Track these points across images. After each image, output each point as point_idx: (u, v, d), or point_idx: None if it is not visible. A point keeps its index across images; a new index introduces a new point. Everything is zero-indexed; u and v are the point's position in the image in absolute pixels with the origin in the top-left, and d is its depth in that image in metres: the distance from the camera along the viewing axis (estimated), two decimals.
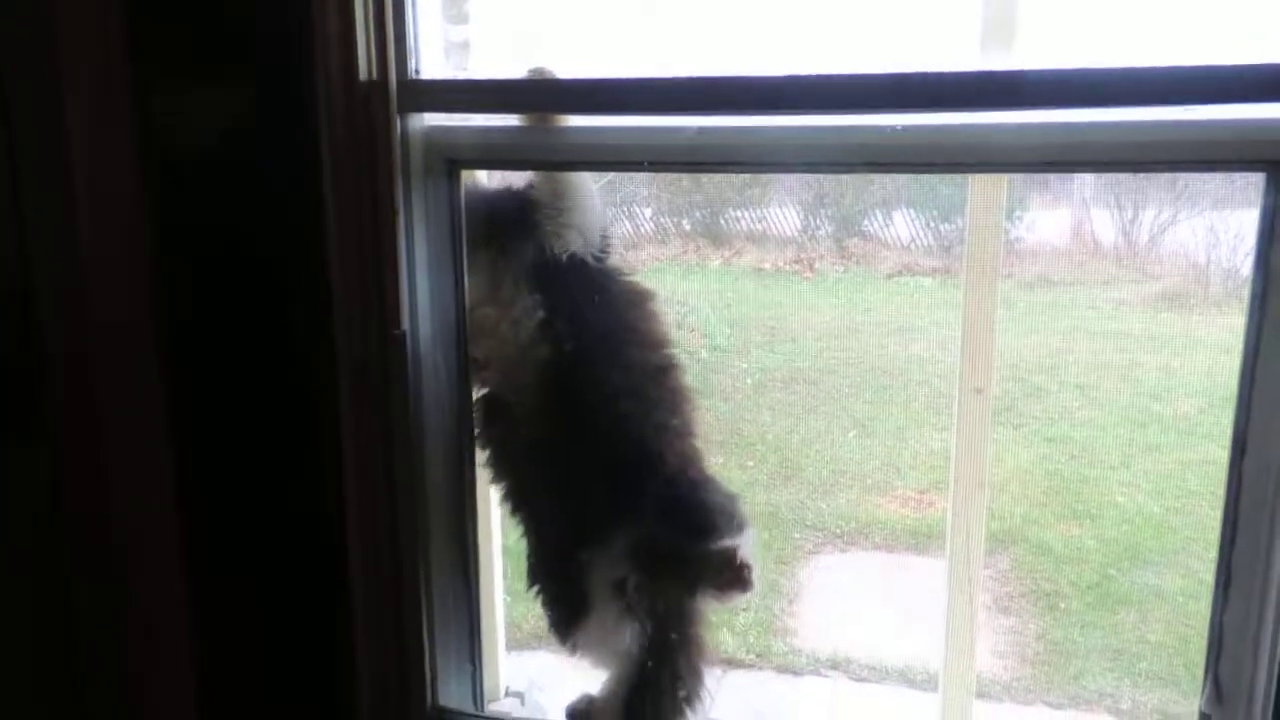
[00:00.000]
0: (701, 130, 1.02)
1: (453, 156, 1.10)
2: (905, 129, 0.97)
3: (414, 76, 1.06)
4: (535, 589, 1.39)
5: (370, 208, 1.05)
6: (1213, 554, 1.10)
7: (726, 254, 3.72)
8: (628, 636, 1.35)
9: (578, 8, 1.26)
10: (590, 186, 1.22)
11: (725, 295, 3.64)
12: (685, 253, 3.68)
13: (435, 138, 1.09)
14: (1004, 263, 2.56)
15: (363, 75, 1.04)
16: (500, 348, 1.23)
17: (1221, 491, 1.04)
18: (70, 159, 1.11)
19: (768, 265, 3.74)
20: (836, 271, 3.71)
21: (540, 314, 1.22)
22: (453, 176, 1.10)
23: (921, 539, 3.11)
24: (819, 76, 0.95)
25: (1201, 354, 3.31)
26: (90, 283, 1.12)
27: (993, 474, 3.00)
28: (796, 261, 3.72)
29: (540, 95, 1.08)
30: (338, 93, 1.03)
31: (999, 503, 3.11)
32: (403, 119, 1.05)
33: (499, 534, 1.47)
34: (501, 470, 1.29)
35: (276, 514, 1.18)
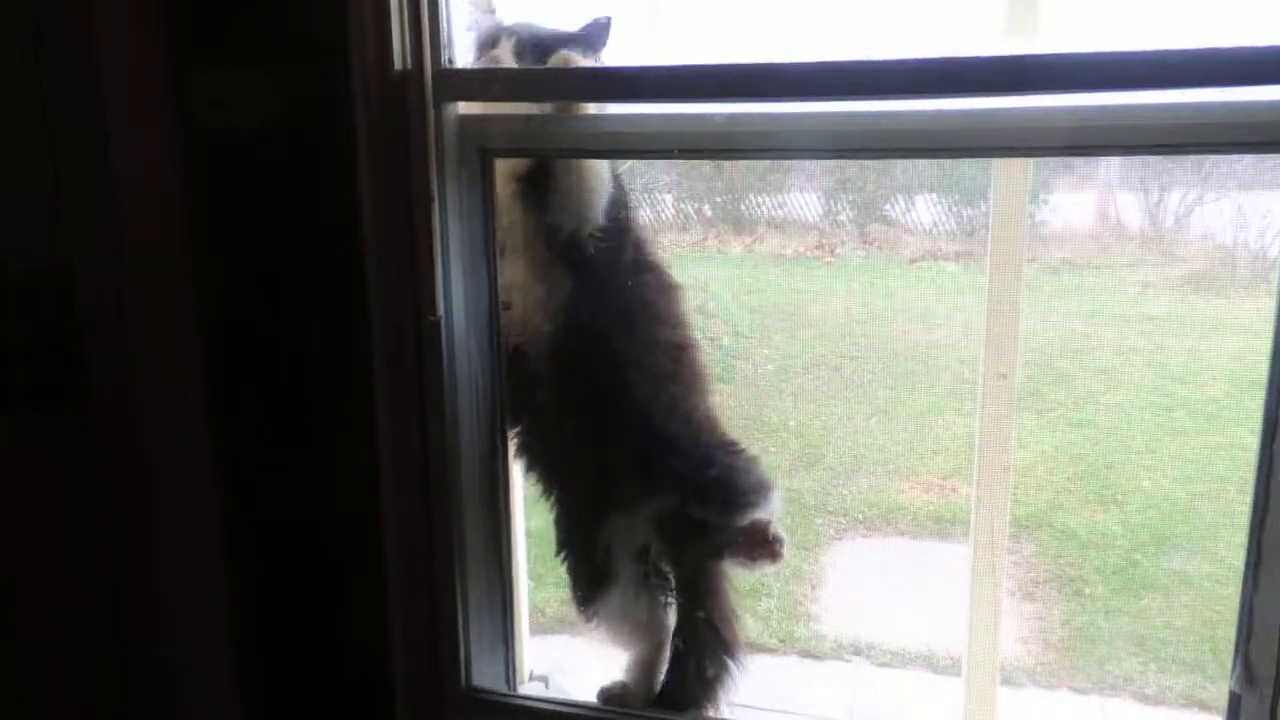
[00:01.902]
0: (731, 117, 1.03)
1: (485, 145, 1.11)
2: (932, 114, 0.97)
3: (447, 66, 1.07)
4: (561, 555, 1.41)
5: (405, 196, 1.06)
6: (1240, 539, 1.10)
7: (748, 240, 3.71)
8: (648, 608, 1.38)
9: None
10: (595, 171, 1.24)
11: (746, 281, 3.64)
12: (706, 239, 3.68)
13: (468, 126, 1.10)
14: (1028, 247, 2.55)
15: (397, 65, 1.05)
16: (524, 298, 1.27)
17: (1250, 475, 1.04)
18: (109, 147, 1.13)
19: (789, 251, 3.73)
20: (859, 257, 3.69)
21: (569, 285, 1.24)
22: (485, 165, 1.11)
23: (945, 525, 3.10)
24: (846, 63, 0.96)
25: (1229, 337, 3.27)
26: (129, 271, 1.15)
27: (1017, 459, 2.99)
28: (818, 247, 3.71)
29: (571, 84, 1.10)
30: (373, 83, 1.05)
31: (1023, 488, 3.10)
32: (437, 108, 1.06)
33: (523, 518, 1.49)
34: (527, 434, 1.31)
35: (312, 496, 1.21)
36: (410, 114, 1.06)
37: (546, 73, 1.13)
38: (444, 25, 1.06)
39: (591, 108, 1.10)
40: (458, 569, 1.19)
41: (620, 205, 1.30)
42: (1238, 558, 1.13)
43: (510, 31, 1.29)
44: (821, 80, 0.97)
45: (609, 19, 1.29)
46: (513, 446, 1.32)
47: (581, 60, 1.23)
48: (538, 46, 1.26)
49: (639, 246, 1.33)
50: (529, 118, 1.11)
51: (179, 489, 1.21)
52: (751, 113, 1.04)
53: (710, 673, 1.43)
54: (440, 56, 1.07)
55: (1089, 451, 3.25)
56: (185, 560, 1.22)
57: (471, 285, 1.14)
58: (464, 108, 1.10)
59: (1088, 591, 2.98)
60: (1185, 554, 3.01)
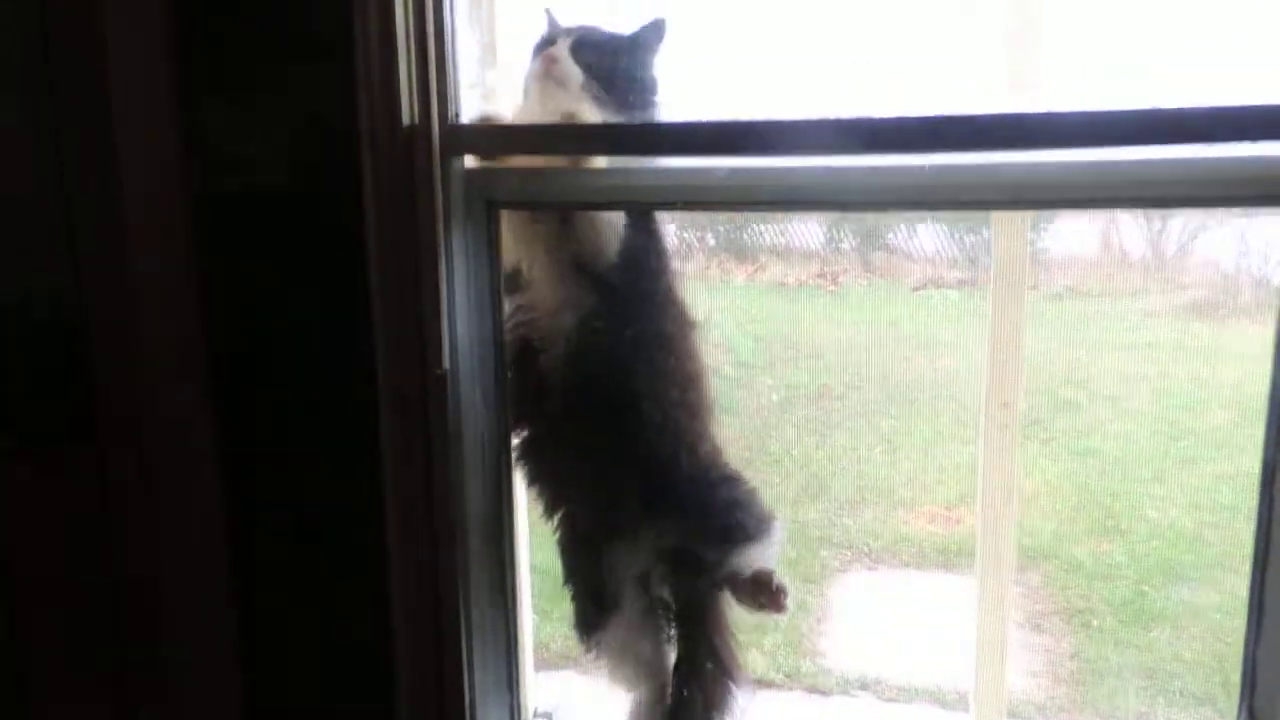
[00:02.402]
0: (733, 171, 1.04)
1: (491, 197, 1.13)
2: (934, 168, 0.98)
3: (454, 121, 1.09)
4: (568, 583, 1.41)
5: (412, 249, 1.07)
6: (1249, 569, 1.10)
7: (750, 269, 3.72)
8: (651, 640, 1.38)
9: None
10: (606, 216, 1.26)
11: (749, 310, 3.64)
12: (708, 268, 3.69)
13: (474, 179, 1.12)
14: (1031, 274, 2.56)
15: (405, 120, 1.07)
16: (547, 311, 1.29)
17: (1254, 505, 1.04)
18: (123, 195, 1.15)
19: (791, 280, 3.74)
20: (861, 285, 3.70)
21: (590, 304, 1.27)
22: (491, 217, 1.13)
23: (951, 555, 3.09)
24: (849, 120, 0.97)
25: (1233, 365, 3.26)
26: (140, 315, 1.16)
27: (1022, 489, 2.98)
28: (820, 275, 3.72)
29: (575, 139, 1.11)
30: (382, 136, 1.06)
31: (1029, 518, 3.09)
32: (444, 162, 1.07)
33: (527, 552, 1.49)
34: (532, 443, 1.32)
35: (318, 539, 1.21)
36: (418, 168, 1.07)
37: (550, 129, 1.15)
38: (451, 81, 1.08)
39: (601, 161, 1.12)
40: (463, 614, 1.19)
41: (647, 239, 1.32)
42: (1246, 589, 1.13)
43: (569, 31, 1.32)
44: (826, 136, 0.98)
45: (663, 20, 1.32)
46: (514, 452, 1.32)
47: (631, 71, 1.28)
48: (596, 47, 1.29)
49: (662, 279, 1.35)
50: (534, 171, 1.13)
51: (187, 527, 1.22)
52: (756, 166, 1.05)
53: (714, 702, 1.42)
54: (448, 111, 1.08)
55: (1094, 480, 3.23)
56: (192, 597, 1.23)
57: (477, 337, 1.15)
58: (470, 160, 1.12)
59: (1096, 623, 2.96)
60: (1193, 585, 2.99)
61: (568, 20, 1.39)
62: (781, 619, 1.37)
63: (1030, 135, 0.95)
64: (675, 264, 1.40)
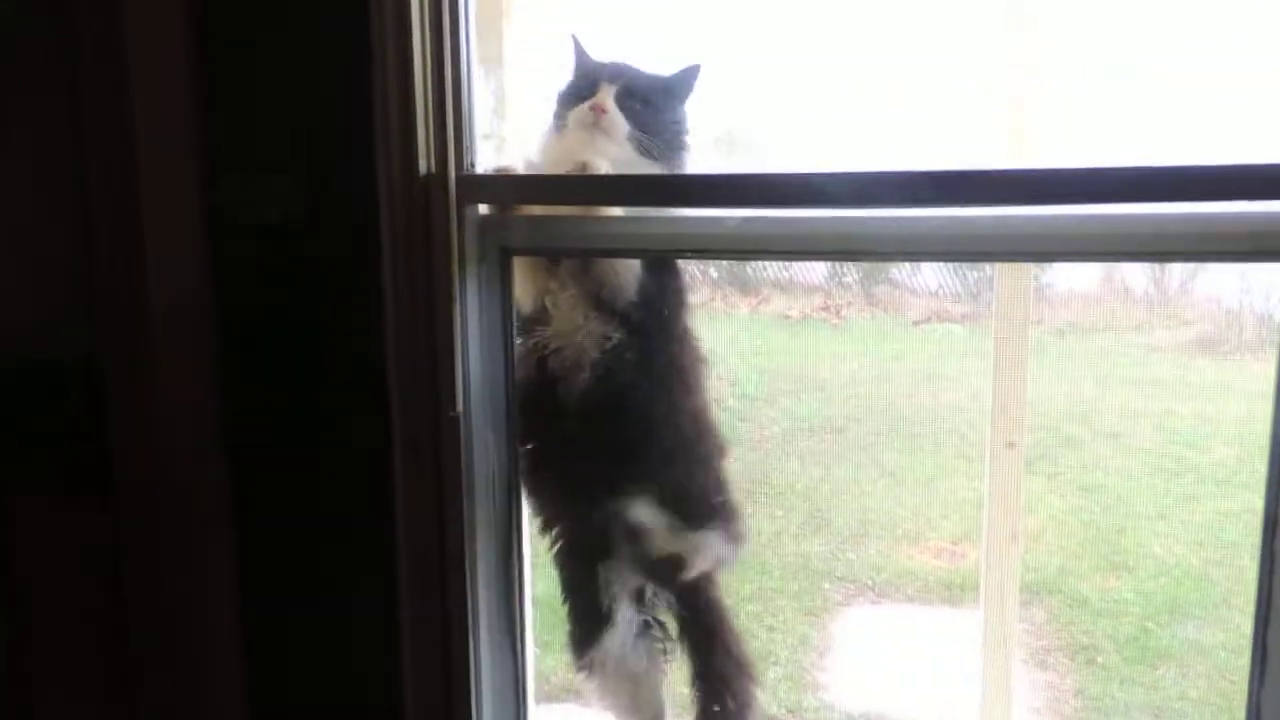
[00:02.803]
0: (744, 221, 1.07)
1: (505, 244, 1.15)
2: (937, 220, 1.00)
3: (469, 171, 1.11)
4: (565, 601, 1.42)
5: (428, 295, 1.10)
6: (1254, 609, 1.10)
7: (753, 301, 3.74)
8: (646, 660, 1.39)
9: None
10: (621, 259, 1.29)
11: (753, 343, 3.66)
12: (712, 300, 3.72)
13: (488, 226, 1.15)
14: (1034, 309, 2.58)
15: (422, 169, 1.09)
16: (571, 335, 1.32)
17: (1259, 548, 1.04)
18: (142, 240, 1.18)
19: (795, 312, 3.76)
20: (864, 318, 3.72)
21: (616, 337, 1.31)
22: (505, 263, 1.15)
23: (955, 591, 3.08)
24: (855, 173, 1.00)
25: (1237, 401, 3.27)
26: (157, 362, 1.18)
27: (1026, 525, 2.98)
28: (824, 308, 3.74)
29: (588, 189, 1.14)
30: (399, 185, 1.09)
31: (1033, 554, 3.08)
32: (459, 210, 1.10)
33: (530, 584, 1.50)
34: (536, 457, 1.33)
35: (330, 581, 1.22)
36: (434, 216, 1.10)
37: (563, 179, 1.18)
38: (466, 132, 1.11)
39: (614, 209, 1.14)
40: (472, 656, 1.20)
41: (667, 277, 1.35)
42: (1251, 628, 1.13)
43: (611, 75, 1.33)
44: (833, 190, 1.01)
45: (699, 66, 1.35)
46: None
47: (668, 115, 1.30)
48: (639, 94, 1.31)
49: (680, 315, 1.39)
50: (547, 219, 1.15)
51: (199, 571, 1.23)
52: (766, 216, 1.07)
53: (745, 701, 1.44)
54: (463, 161, 1.11)
55: (1099, 517, 3.23)
56: (203, 652, 1.23)
57: (489, 380, 1.17)
58: (485, 208, 1.14)
59: (1101, 660, 2.94)
60: (1199, 622, 2.98)
61: (594, 47, 1.39)
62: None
63: (1033, 190, 0.98)
64: (690, 300, 1.43)
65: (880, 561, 3.16)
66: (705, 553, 1.39)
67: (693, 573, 1.39)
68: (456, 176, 1.10)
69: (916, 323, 3.64)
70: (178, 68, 1.16)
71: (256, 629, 1.24)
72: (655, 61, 1.39)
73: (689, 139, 1.35)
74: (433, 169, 1.09)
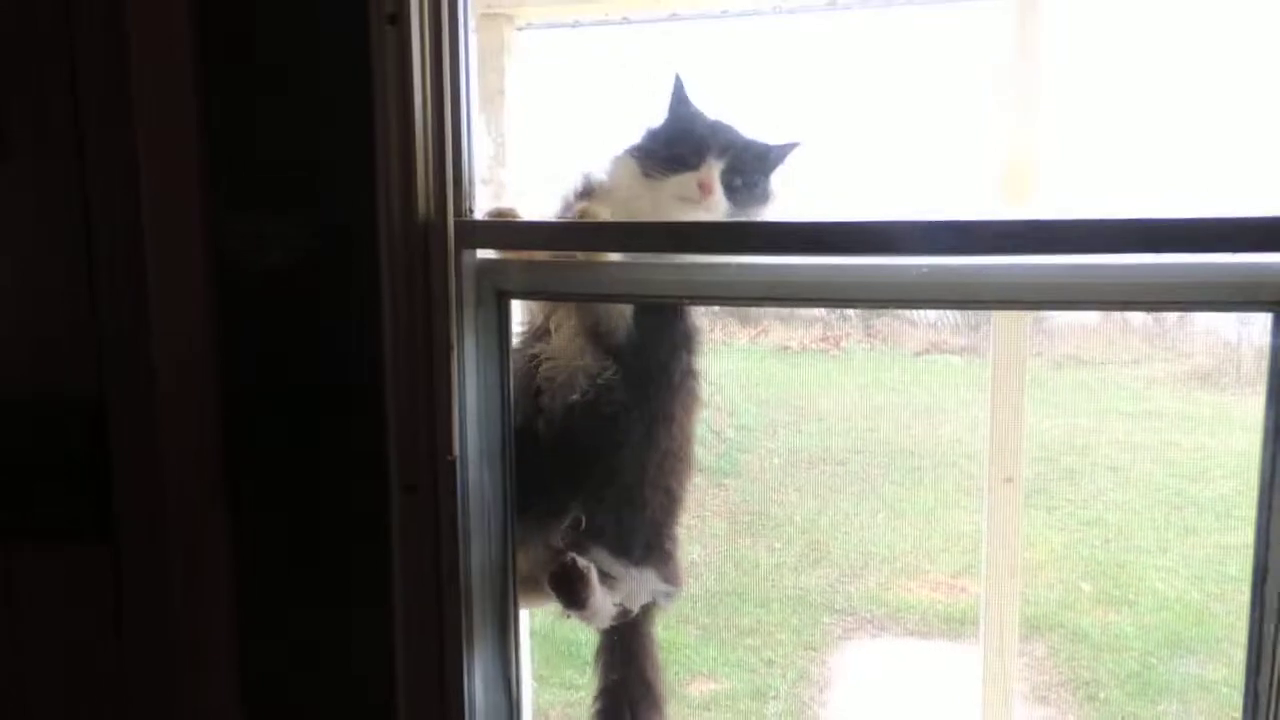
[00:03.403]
0: (743, 267, 1.08)
1: (502, 288, 1.16)
2: (931, 268, 1.02)
3: (468, 215, 1.13)
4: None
5: (426, 339, 1.11)
6: (1245, 655, 1.10)
7: (753, 333, 3.75)
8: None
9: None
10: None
11: (752, 374, 3.67)
12: (712, 331, 3.73)
13: (486, 270, 1.15)
14: (1032, 342, 2.58)
15: (421, 215, 1.11)
16: (559, 357, 1.32)
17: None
18: (146, 281, 1.19)
19: (794, 344, 3.77)
20: (863, 350, 3.73)
21: (611, 369, 1.30)
22: (502, 307, 1.16)
23: (954, 625, 3.06)
24: (853, 223, 1.01)
25: (1236, 434, 3.27)
26: (161, 404, 1.19)
27: (1026, 558, 2.97)
28: (823, 340, 3.75)
29: (584, 235, 1.15)
30: (398, 231, 1.10)
31: (1033, 587, 3.07)
32: (458, 256, 1.11)
33: (527, 616, 1.50)
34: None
35: (326, 618, 1.22)
36: (432, 261, 1.11)
37: (561, 225, 1.19)
38: (466, 177, 1.12)
39: (614, 254, 1.15)
40: (467, 700, 1.19)
41: (668, 323, 1.35)
42: (1244, 673, 1.12)
43: (721, 147, 1.26)
44: (831, 238, 1.02)
45: (798, 145, 1.32)
46: None
47: (759, 185, 1.27)
48: (742, 170, 1.26)
49: (679, 362, 1.37)
50: (545, 263, 1.16)
51: (197, 622, 1.23)
52: (763, 263, 1.09)
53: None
54: (462, 206, 1.12)
55: (1099, 550, 3.22)
56: (201, 696, 1.23)
57: (487, 424, 1.17)
58: (483, 253, 1.16)
59: (1102, 695, 2.92)
60: (1200, 658, 2.96)
61: (712, 94, 1.32)
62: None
63: (1031, 240, 0.99)
64: (700, 345, 1.40)
65: (879, 595, 3.14)
66: (636, 590, 1.39)
67: (622, 606, 1.39)
68: (455, 221, 1.11)
69: (916, 354, 3.65)
70: (182, 110, 1.18)
71: (255, 674, 1.24)
72: (748, 120, 1.35)
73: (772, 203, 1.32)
74: (432, 214, 1.11)
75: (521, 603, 1.31)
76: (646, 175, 1.28)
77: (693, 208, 1.24)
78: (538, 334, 1.37)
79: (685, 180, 1.25)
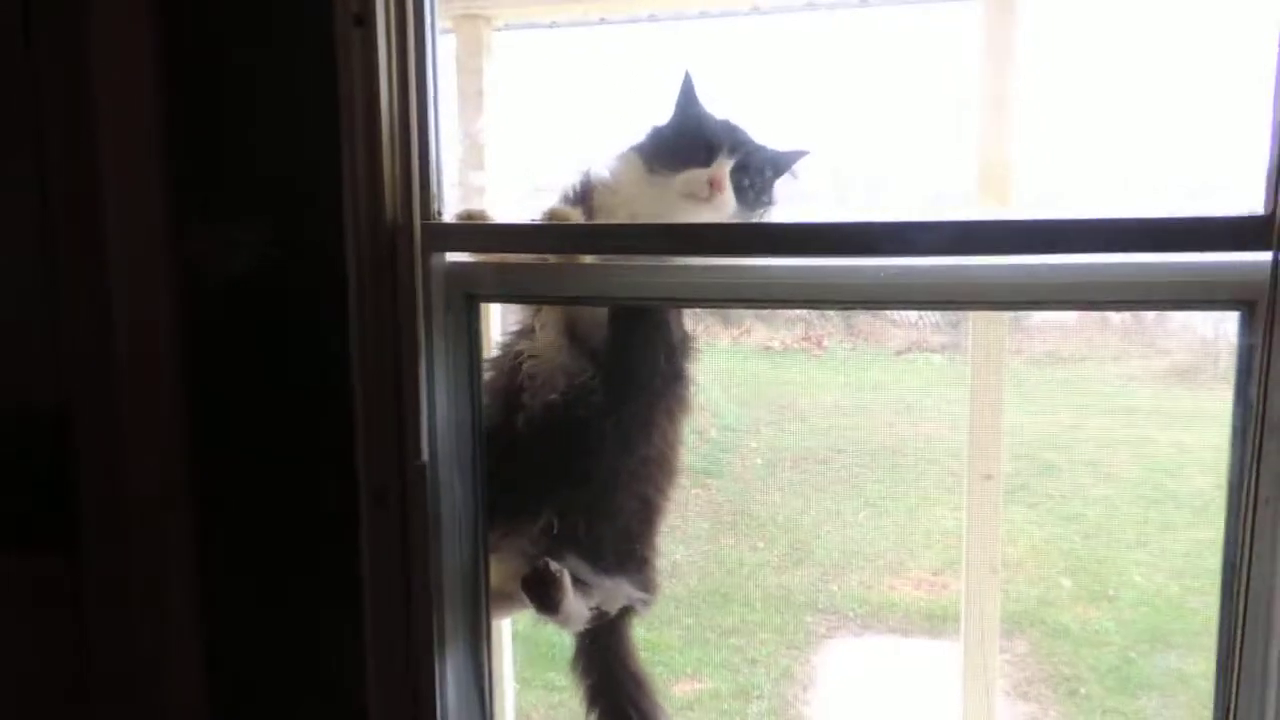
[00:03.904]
0: (718, 269, 1.07)
1: (472, 291, 1.16)
2: (901, 269, 1.02)
3: (436, 219, 1.12)
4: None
5: (393, 343, 1.10)
6: (1215, 671, 1.10)
7: (735, 333, 3.75)
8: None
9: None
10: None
11: (734, 374, 3.67)
12: (694, 331, 3.73)
13: (455, 274, 1.15)
14: (1011, 339, 2.60)
15: (389, 218, 1.10)
16: (550, 354, 1.31)
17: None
18: (109, 289, 1.18)
19: (776, 343, 3.77)
20: (845, 349, 3.74)
21: (589, 371, 1.29)
22: (472, 310, 1.16)
23: (937, 622, 3.07)
24: (829, 224, 1.01)
25: (1213, 429, 3.29)
26: (125, 412, 1.18)
27: (1007, 554, 2.99)
28: (805, 339, 3.75)
29: (553, 237, 1.15)
30: (365, 234, 1.09)
31: (1014, 584, 3.08)
32: (425, 258, 1.11)
33: (508, 619, 1.50)
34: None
35: (297, 631, 1.21)
36: (400, 264, 1.10)
37: (529, 228, 1.19)
38: (434, 181, 1.12)
39: (587, 256, 1.15)
40: (439, 706, 1.19)
41: (649, 330, 1.34)
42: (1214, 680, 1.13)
43: (731, 145, 1.25)
44: (807, 239, 1.02)
45: (807, 152, 1.32)
46: None
47: (765, 189, 1.27)
48: (752, 169, 1.25)
49: (663, 368, 1.36)
50: (516, 266, 1.16)
51: (162, 630, 1.22)
52: (736, 265, 1.08)
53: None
54: (430, 209, 1.12)
55: (1079, 546, 3.24)
56: (168, 707, 1.22)
57: (457, 428, 1.17)
58: (452, 256, 1.15)
59: (1083, 691, 2.94)
60: (1180, 652, 2.98)
61: (707, 94, 1.31)
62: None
63: (1000, 241, 1.00)
64: (690, 351, 1.39)
65: (862, 593, 3.15)
66: (610, 597, 1.38)
67: (598, 610, 1.38)
68: (423, 224, 1.11)
69: (898, 353, 3.66)
70: (145, 117, 1.17)
71: (223, 682, 1.23)
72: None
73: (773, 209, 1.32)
74: (399, 219, 1.10)
75: (497, 611, 1.31)
76: (652, 172, 1.26)
77: (700, 206, 1.23)
78: (524, 331, 1.36)
79: (695, 176, 1.23)
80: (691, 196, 1.23)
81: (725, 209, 1.24)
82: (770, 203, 1.31)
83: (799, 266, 1.09)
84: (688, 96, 1.31)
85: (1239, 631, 0.99)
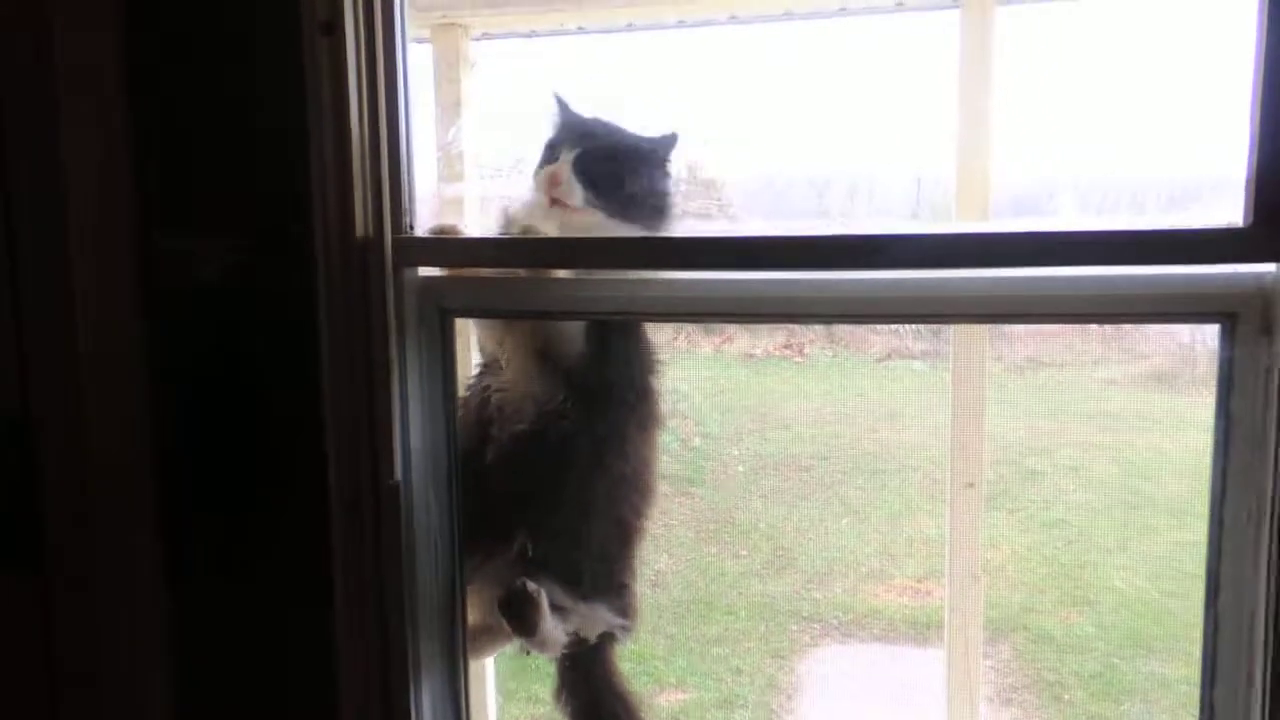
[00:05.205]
0: (698, 281, 1.06)
1: (445, 306, 1.13)
2: (881, 282, 1.01)
3: (407, 233, 1.10)
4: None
5: (365, 360, 1.08)
6: (1200, 673, 1.10)
7: (717, 341, 3.75)
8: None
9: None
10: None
11: (717, 382, 3.66)
12: (676, 339, 3.72)
13: (428, 288, 1.13)
14: (992, 346, 2.60)
15: (359, 232, 1.08)
16: (511, 387, 1.30)
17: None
18: (74, 302, 1.15)
19: (758, 351, 3.77)
20: (826, 356, 3.74)
21: (560, 396, 1.29)
22: (445, 325, 1.13)
23: (921, 629, 3.07)
24: (806, 236, 1.00)
25: (1191, 434, 3.32)
26: (90, 426, 1.15)
27: (989, 560, 2.99)
28: (787, 347, 3.76)
29: (527, 251, 1.13)
30: (335, 248, 1.07)
31: (997, 590, 3.09)
32: (397, 273, 1.08)
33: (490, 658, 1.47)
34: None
35: (267, 654, 1.19)
36: (371, 279, 1.08)
37: (502, 241, 1.17)
38: (405, 195, 1.09)
39: (560, 270, 1.13)
40: (415, 715, 1.16)
41: (621, 341, 1.33)
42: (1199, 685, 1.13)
43: (575, 139, 1.28)
44: (784, 252, 1.01)
45: (676, 135, 1.32)
46: None
47: (640, 179, 1.27)
48: (602, 159, 1.27)
49: (635, 380, 1.36)
50: (490, 280, 1.14)
51: (130, 647, 1.19)
52: (714, 279, 1.07)
53: None
54: (401, 223, 1.10)
55: (1060, 551, 3.25)
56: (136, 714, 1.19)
57: (430, 445, 1.14)
58: (425, 270, 1.13)
59: (1067, 697, 2.94)
60: (1161, 656, 3.00)
61: (581, 107, 1.34)
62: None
63: (979, 254, 0.99)
64: (655, 364, 1.39)
65: (846, 601, 3.15)
66: (588, 623, 1.37)
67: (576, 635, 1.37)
68: (394, 239, 1.08)
69: (878, 360, 3.67)
70: (111, 126, 1.14)
71: (192, 703, 1.20)
72: (630, 112, 1.35)
73: (673, 204, 1.31)
74: (370, 232, 1.08)
75: (476, 649, 1.29)
76: (534, 186, 1.31)
77: (549, 199, 1.26)
78: (490, 367, 1.35)
79: (539, 176, 1.28)
80: (541, 192, 1.27)
81: (573, 198, 1.26)
82: (654, 190, 1.31)
83: (775, 280, 1.07)
84: (562, 109, 1.35)
85: (1223, 644, 0.99)
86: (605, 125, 1.34)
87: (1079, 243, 0.96)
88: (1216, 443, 1.00)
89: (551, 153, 1.30)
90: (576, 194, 1.26)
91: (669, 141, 1.32)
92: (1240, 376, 0.94)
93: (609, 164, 1.27)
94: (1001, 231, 0.99)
